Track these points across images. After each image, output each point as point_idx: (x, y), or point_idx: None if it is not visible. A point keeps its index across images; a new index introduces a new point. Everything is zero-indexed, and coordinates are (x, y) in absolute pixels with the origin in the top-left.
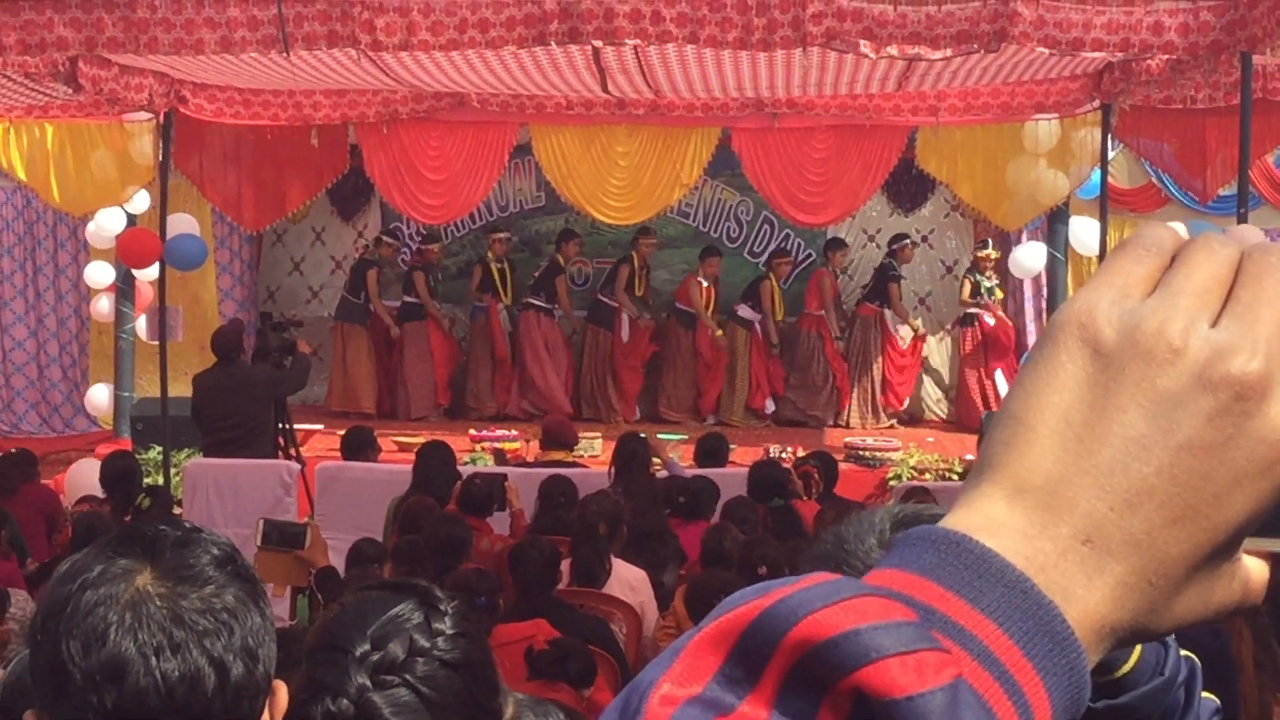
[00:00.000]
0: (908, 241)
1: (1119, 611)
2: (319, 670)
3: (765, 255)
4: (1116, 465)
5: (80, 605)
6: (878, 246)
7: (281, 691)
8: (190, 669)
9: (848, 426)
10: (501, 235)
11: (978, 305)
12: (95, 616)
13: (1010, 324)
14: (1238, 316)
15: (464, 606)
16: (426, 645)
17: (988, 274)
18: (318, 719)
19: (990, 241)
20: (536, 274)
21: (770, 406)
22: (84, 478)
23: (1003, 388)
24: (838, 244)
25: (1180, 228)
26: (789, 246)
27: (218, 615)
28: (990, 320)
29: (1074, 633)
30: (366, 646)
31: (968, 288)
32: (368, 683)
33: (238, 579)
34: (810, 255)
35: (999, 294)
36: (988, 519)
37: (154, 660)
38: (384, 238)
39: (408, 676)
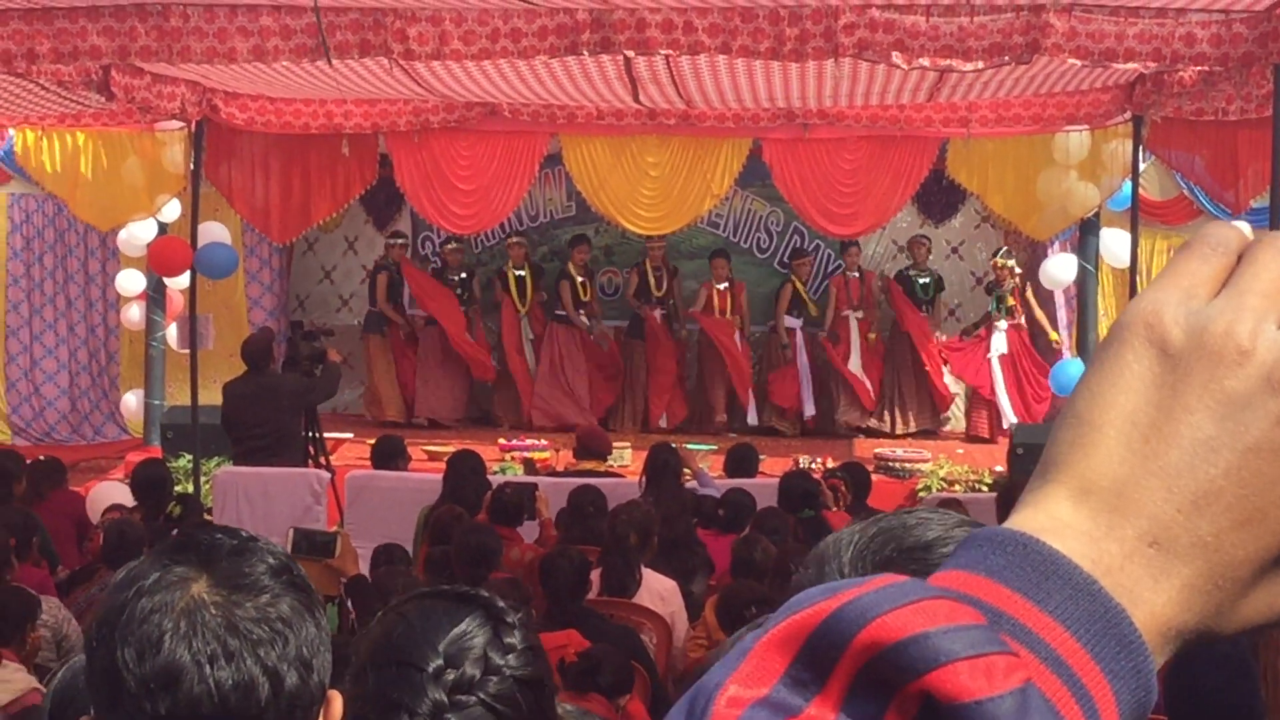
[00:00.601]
0: (920, 236)
1: (1185, 614)
2: (388, 687)
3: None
4: (1184, 467)
5: (135, 612)
6: (908, 257)
7: (336, 701)
8: (244, 678)
9: (881, 435)
10: (516, 240)
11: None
12: (150, 624)
13: (1024, 339)
14: None
15: (527, 617)
16: (499, 663)
17: (1003, 284)
18: None
19: (1007, 250)
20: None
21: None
22: (107, 497)
23: (1005, 407)
24: (848, 244)
25: (1245, 226)
26: (820, 257)
27: (273, 624)
28: (999, 335)
29: (1141, 636)
30: (440, 663)
31: (1018, 304)
32: (444, 699)
33: (293, 588)
34: (840, 266)
35: (1010, 300)
36: (1053, 520)
37: (208, 668)
38: (391, 240)
39: (482, 695)
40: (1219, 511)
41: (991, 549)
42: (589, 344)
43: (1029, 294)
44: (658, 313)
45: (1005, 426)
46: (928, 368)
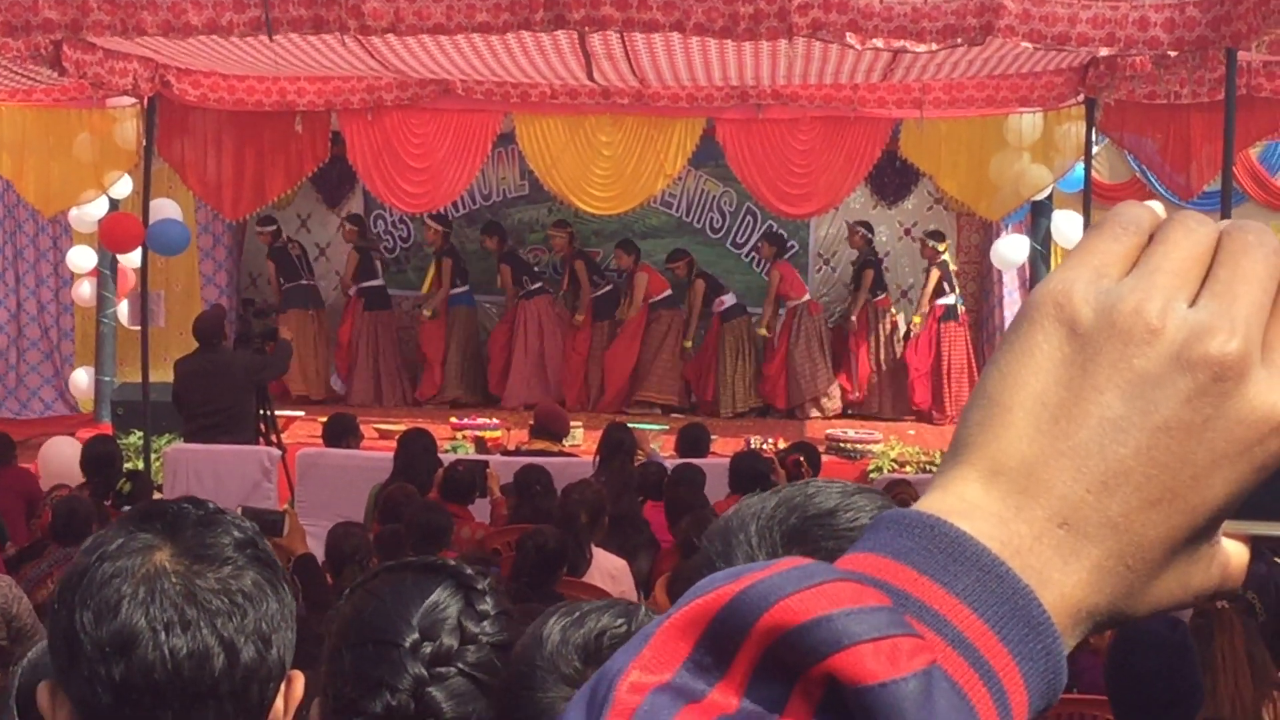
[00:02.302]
0: (859, 227)
1: (1096, 596)
2: (367, 665)
3: (748, 246)
4: (1093, 447)
5: (96, 576)
6: (851, 246)
7: (298, 681)
8: (199, 647)
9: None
10: (433, 225)
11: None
12: (110, 588)
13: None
14: (1216, 295)
15: (496, 582)
16: (475, 630)
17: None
18: (376, 713)
19: (941, 232)
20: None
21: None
22: (56, 455)
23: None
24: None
25: (1158, 206)
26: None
27: (232, 597)
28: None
29: (1050, 617)
30: (416, 636)
31: (935, 278)
32: (425, 673)
33: (257, 563)
34: (794, 246)
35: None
36: (962, 501)
37: (163, 635)
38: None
39: (461, 665)
40: (1129, 492)
41: (899, 531)
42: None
43: (931, 279)
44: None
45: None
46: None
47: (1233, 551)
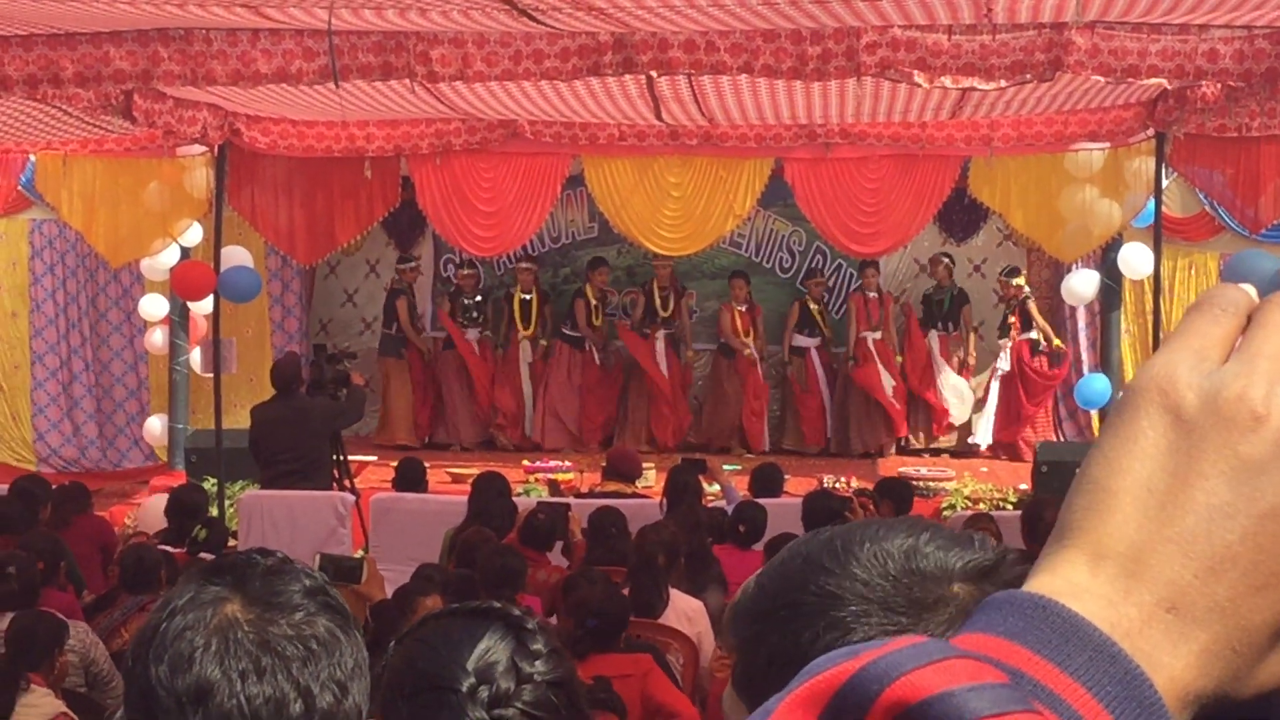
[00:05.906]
0: (940, 254)
1: (1203, 679)
2: (425, 713)
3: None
4: (1200, 532)
5: (169, 631)
6: (930, 276)
7: None
8: (276, 693)
9: (906, 453)
10: (525, 265)
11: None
12: (183, 641)
13: (1044, 365)
14: None
15: (542, 621)
16: (529, 671)
17: (1010, 303)
18: None
19: (1013, 268)
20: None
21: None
22: (155, 513)
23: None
24: (866, 264)
25: (1251, 290)
26: (841, 277)
27: (306, 643)
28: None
29: (1162, 699)
30: (472, 681)
31: (1015, 321)
32: (485, 717)
33: (328, 610)
34: (860, 285)
35: (1011, 318)
36: (1071, 584)
37: (239, 684)
38: (402, 264)
39: (519, 705)
40: (1235, 577)
41: (1010, 611)
42: (593, 365)
43: (1032, 306)
44: (662, 334)
45: (971, 442)
46: (929, 391)
47: None
